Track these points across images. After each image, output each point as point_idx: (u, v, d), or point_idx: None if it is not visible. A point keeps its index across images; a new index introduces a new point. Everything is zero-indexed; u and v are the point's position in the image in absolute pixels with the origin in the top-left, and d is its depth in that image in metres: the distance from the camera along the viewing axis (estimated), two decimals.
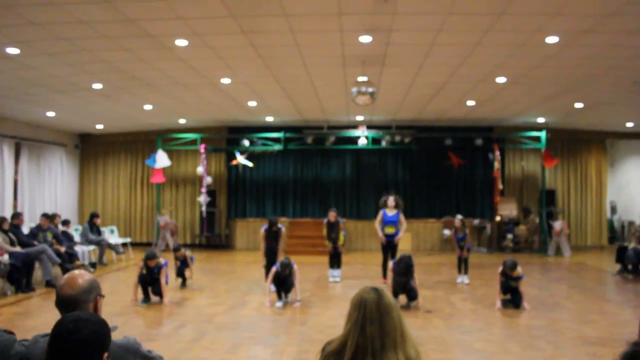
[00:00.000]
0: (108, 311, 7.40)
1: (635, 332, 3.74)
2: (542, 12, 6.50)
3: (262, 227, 9.80)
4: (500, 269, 8.22)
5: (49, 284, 9.57)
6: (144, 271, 8.39)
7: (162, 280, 8.44)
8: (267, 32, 7.40)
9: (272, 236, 9.69)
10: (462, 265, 10.51)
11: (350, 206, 16.55)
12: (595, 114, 13.47)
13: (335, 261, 10.83)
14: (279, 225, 9.80)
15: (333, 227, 10.71)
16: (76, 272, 2.49)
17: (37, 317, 7.46)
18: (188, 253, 10.16)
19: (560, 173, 16.73)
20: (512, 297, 8.21)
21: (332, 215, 10.73)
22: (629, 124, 14.98)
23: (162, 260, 8.49)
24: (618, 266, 11.66)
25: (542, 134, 14.98)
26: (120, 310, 7.89)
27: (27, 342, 2.29)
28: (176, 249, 10.14)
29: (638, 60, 8.43)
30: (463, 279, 10.44)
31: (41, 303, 8.49)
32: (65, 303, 2.34)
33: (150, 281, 8.44)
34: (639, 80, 9.67)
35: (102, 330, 1.97)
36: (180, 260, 10.02)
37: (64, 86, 10.32)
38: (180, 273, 9.99)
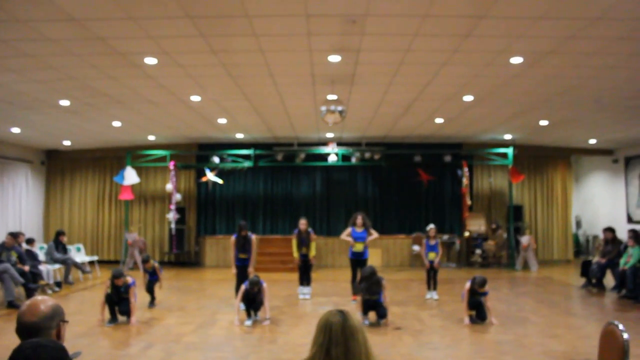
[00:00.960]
0: (74, 332, 7.27)
1: (597, 345, 3.83)
2: (507, 35, 6.67)
3: (233, 235, 9.83)
4: (467, 285, 8.32)
5: (11, 304, 9.33)
6: (110, 290, 8.24)
7: (132, 299, 8.30)
8: (237, 51, 7.43)
9: (242, 244, 9.66)
10: (431, 281, 10.58)
11: (320, 222, 16.57)
12: (559, 131, 13.81)
13: (305, 277, 10.78)
14: (249, 233, 9.79)
15: (303, 238, 10.65)
16: (39, 297, 2.44)
17: None
18: (157, 264, 10.05)
19: (527, 189, 17.04)
20: (477, 312, 8.31)
21: (302, 223, 10.68)
22: (592, 141, 15.38)
23: (129, 279, 8.34)
24: (583, 280, 11.91)
25: (509, 151, 15.27)
26: (86, 330, 7.73)
27: None
28: (145, 260, 9.99)
29: (597, 80, 8.70)
30: (432, 294, 10.52)
31: (2, 325, 8.25)
32: (26, 331, 2.28)
33: (117, 301, 8.28)
34: (600, 100, 9.96)
35: (61, 356, 1.94)
36: (149, 272, 9.89)
37: (30, 102, 10.16)
38: (149, 288, 9.82)
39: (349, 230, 10.27)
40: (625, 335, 3.43)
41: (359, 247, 10.13)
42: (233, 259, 9.77)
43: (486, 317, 8.21)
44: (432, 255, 10.53)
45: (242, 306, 8.42)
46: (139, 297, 8.90)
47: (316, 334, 2.32)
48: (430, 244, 10.59)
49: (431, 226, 10.77)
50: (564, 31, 6.49)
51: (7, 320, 8.43)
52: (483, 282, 8.13)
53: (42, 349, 1.89)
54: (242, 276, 9.41)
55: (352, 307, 9.51)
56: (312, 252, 10.72)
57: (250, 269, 9.70)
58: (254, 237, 9.91)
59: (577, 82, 8.91)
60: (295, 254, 10.69)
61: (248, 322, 8.20)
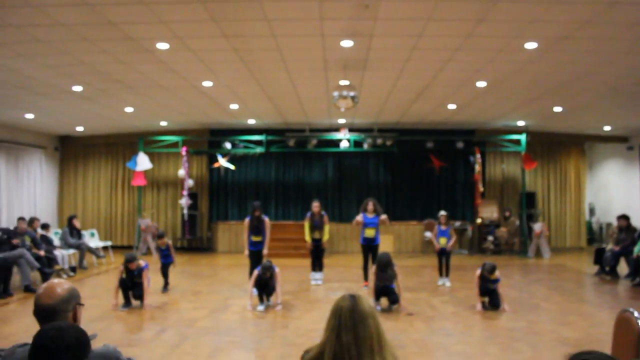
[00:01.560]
0: (88, 316, 7.35)
1: (610, 332, 3.81)
2: (521, 19, 6.59)
3: (247, 217, 9.85)
4: (478, 271, 8.31)
5: (28, 288, 9.46)
6: (124, 275, 8.31)
7: (145, 283, 8.36)
8: (249, 36, 7.40)
9: (255, 225, 9.64)
10: (443, 267, 10.57)
11: (332, 208, 16.57)
12: (573, 117, 13.67)
13: (317, 263, 10.77)
14: (263, 215, 9.78)
15: (316, 221, 10.54)
16: (55, 280, 2.47)
17: (15, 324, 7.36)
18: (170, 243, 10.16)
19: (540, 176, 16.93)
20: (490, 299, 8.31)
21: (315, 206, 10.56)
22: (607, 128, 15.21)
23: (142, 263, 8.40)
24: (596, 268, 11.84)
25: (522, 137, 15.15)
26: (100, 315, 7.82)
27: (3, 352, 2.27)
28: (160, 236, 10.09)
29: (612, 66, 8.58)
30: (444, 281, 10.52)
31: (19, 309, 8.38)
32: (43, 313, 2.32)
33: (131, 285, 8.36)
34: (615, 86, 9.83)
35: (83, 339, 1.97)
36: (162, 250, 9.96)
37: (43, 88, 10.22)
38: (164, 272, 9.90)
39: (360, 217, 10.23)
40: None
41: (370, 232, 10.11)
42: (245, 241, 9.78)
43: (499, 304, 8.19)
44: (442, 240, 10.53)
45: (254, 291, 8.46)
46: (152, 281, 8.98)
47: (329, 318, 2.33)
48: (442, 229, 10.60)
49: (442, 213, 10.79)
50: (579, 16, 6.39)
51: (24, 304, 8.57)
52: (492, 269, 8.11)
53: (66, 331, 1.92)
54: (256, 261, 9.42)
55: (364, 292, 9.55)
56: (325, 236, 10.62)
57: (265, 251, 9.72)
58: (267, 219, 9.87)
59: (592, 68, 8.80)
60: (308, 238, 10.58)
61: (260, 307, 8.25)
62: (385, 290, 8.30)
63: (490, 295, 8.31)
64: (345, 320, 2.23)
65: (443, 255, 10.56)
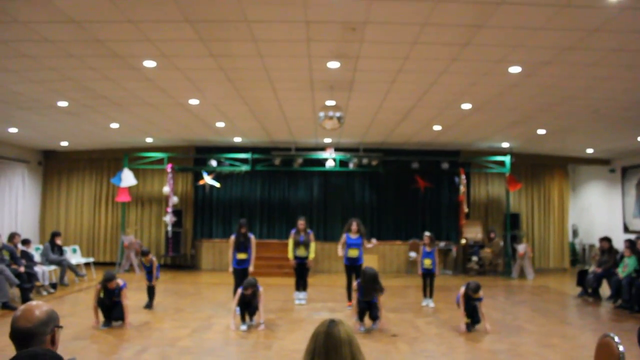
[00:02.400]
0: (68, 334, 7.24)
1: (592, 355, 3.83)
2: (506, 44, 6.69)
3: (232, 235, 9.77)
4: (462, 290, 8.32)
5: (6, 305, 9.29)
6: (102, 294, 8.16)
7: (125, 302, 8.24)
8: (236, 56, 7.44)
9: (242, 242, 9.58)
10: (428, 288, 10.54)
11: (317, 228, 16.53)
12: (557, 140, 13.84)
13: (301, 282, 10.68)
14: (249, 233, 9.73)
15: (301, 238, 10.45)
16: (33, 303, 2.43)
17: None
18: (154, 260, 10.03)
19: (524, 197, 17.07)
20: (472, 317, 8.33)
21: (301, 223, 10.52)
22: (589, 150, 15.42)
23: (120, 282, 8.26)
24: (579, 289, 11.92)
25: (507, 159, 15.29)
26: (80, 333, 7.69)
27: None
28: (145, 253, 9.98)
29: (593, 91, 8.74)
30: (428, 302, 10.50)
31: None
32: (20, 336, 2.27)
33: (110, 305, 8.20)
34: (598, 110, 9.99)
35: None
36: (147, 268, 9.85)
37: (27, 103, 10.15)
38: (150, 291, 9.78)
39: (343, 239, 10.22)
40: (621, 348, 3.44)
41: (353, 252, 10.07)
42: (230, 258, 9.71)
43: (479, 320, 8.22)
44: (427, 262, 10.45)
45: (237, 310, 8.39)
46: (134, 298, 8.87)
47: (308, 342, 2.35)
48: (427, 250, 10.52)
49: (427, 234, 10.76)
50: (563, 42, 6.51)
51: (0, 322, 8.40)
52: (477, 288, 8.14)
53: (40, 358, 1.88)
54: (241, 279, 9.27)
55: (348, 313, 9.52)
56: (312, 255, 10.55)
57: (251, 269, 9.65)
58: (253, 238, 9.82)
59: (574, 93, 8.94)
60: (290, 255, 10.50)
61: (243, 327, 8.17)
62: (369, 305, 8.29)
63: (472, 314, 8.32)
64: (319, 346, 2.25)
65: (427, 276, 10.53)
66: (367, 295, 8.24)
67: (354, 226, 10.18)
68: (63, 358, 1.99)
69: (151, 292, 9.84)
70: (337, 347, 2.23)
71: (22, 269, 10.12)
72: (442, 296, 11.33)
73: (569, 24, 5.93)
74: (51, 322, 2.37)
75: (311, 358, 2.25)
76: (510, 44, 6.67)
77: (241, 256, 9.63)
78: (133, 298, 8.89)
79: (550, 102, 9.66)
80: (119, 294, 8.21)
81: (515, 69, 7.72)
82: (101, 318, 8.22)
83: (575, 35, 6.26)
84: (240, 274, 9.56)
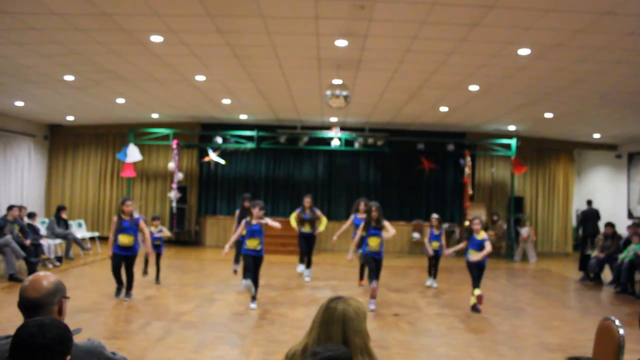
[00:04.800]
0: (73, 307, 7.30)
1: (592, 339, 3.86)
2: (516, 25, 6.63)
3: (237, 209, 9.76)
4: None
5: (12, 277, 9.39)
6: (117, 223, 8.28)
7: (145, 231, 8.50)
8: (244, 32, 7.40)
9: (245, 216, 9.18)
10: (432, 268, 10.51)
11: (321, 206, 16.47)
12: (564, 124, 13.76)
13: (306, 257, 10.56)
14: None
15: (307, 215, 10.41)
16: (41, 273, 2.46)
17: None
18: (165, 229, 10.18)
19: (529, 181, 17.05)
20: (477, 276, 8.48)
21: (307, 201, 10.45)
22: (596, 135, 15.34)
23: (136, 215, 8.44)
24: (581, 273, 11.96)
25: (513, 142, 15.24)
26: (85, 306, 7.78)
27: None
28: (155, 218, 10.11)
29: (604, 75, 8.66)
30: (432, 282, 10.53)
31: (3, 297, 8.32)
32: (28, 306, 2.31)
33: (125, 262, 8.30)
34: (606, 95, 9.92)
35: (65, 334, 1.97)
36: (154, 235, 9.79)
37: (34, 77, 10.15)
38: (157, 261, 9.83)
39: (350, 220, 10.07)
40: (621, 331, 3.46)
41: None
42: (234, 232, 9.35)
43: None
44: (435, 244, 10.32)
45: (236, 266, 8.41)
46: (137, 274, 8.94)
47: (316, 313, 2.42)
48: (435, 233, 10.36)
49: (435, 216, 10.58)
50: (573, 24, 6.44)
51: (8, 293, 8.50)
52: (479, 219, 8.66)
53: (47, 327, 1.92)
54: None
55: (360, 291, 9.58)
56: (321, 228, 10.55)
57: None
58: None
59: (584, 76, 8.87)
60: (293, 223, 10.54)
61: (253, 305, 8.06)
62: (375, 262, 8.40)
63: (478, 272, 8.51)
64: (317, 318, 2.34)
65: (434, 257, 10.41)
66: (377, 225, 8.36)
67: (362, 206, 9.95)
68: (69, 327, 2.02)
69: (157, 261, 9.87)
70: (327, 323, 2.27)
71: (28, 242, 10.20)
72: (444, 277, 11.38)
73: (581, 6, 5.87)
74: (58, 293, 2.40)
75: (311, 328, 2.33)
76: (520, 25, 6.60)
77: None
78: (137, 272, 8.96)
79: (559, 85, 9.59)
80: (136, 227, 8.40)
81: (524, 51, 7.65)
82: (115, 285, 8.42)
83: (586, 18, 6.19)
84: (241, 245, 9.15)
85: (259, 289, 8.48)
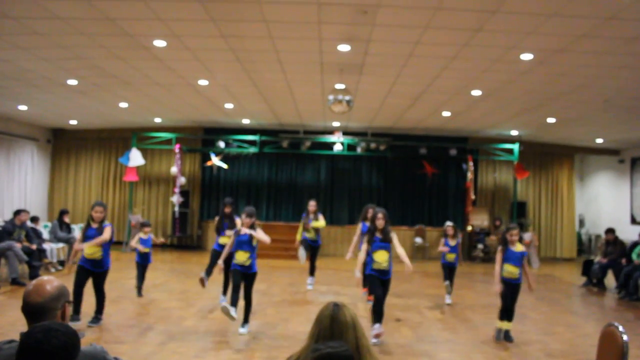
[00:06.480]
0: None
1: (596, 345, 3.84)
2: (518, 31, 6.63)
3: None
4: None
5: (15, 281, 9.40)
6: (84, 227, 7.24)
7: (104, 237, 7.08)
8: (247, 36, 7.41)
9: (226, 224, 8.61)
10: (448, 280, 9.28)
11: (323, 211, 16.45)
12: (566, 129, 13.75)
13: (311, 260, 10.19)
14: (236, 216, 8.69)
15: (310, 220, 10.09)
16: (44, 278, 2.46)
17: (1, 317, 7.31)
18: (154, 237, 9.75)
19: (532, 185, 17.02)
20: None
21: (312, 205, 10.15)
22: (599, 140, 15.31)
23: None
24: (584, 279, 11.92)
25: (515, 147, 15.23)
26: (86, 310, 7.75)
27: None
28: (145, 224, 9.48)
29: (606, 80, 8.66)
30: (448, 299, 9.33)
31: (6, 302, 8.31)
32: (32, 311, 2.31)
33: (92, 277, 7.13)
34: (609, 100, 9.91)
35: (72, 341, 1.96)
36: (144, 242, 9.21)
37: (37, 81, 10.17)
38: (140, 272, 9.10)
39: (358, 232, 9.28)
40: (625, 337, 3.44)
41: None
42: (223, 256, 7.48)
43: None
44: (450, 256, 9.29)
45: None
46: (149, 278, 8.92)
47: (312, 325, 2.37)
48: (451, 244, 9.27)
49: (449, 224, 9.55)
50: (576, 29, 6.44)
51: (10, 297, 8.49)
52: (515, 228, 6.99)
53: (54, 333, 1.91)
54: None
55: (354, 295, 9.54)
56: (315, 224, 10.02)
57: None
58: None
59: (586, 81, 8.86)
60: (298, 236, 10.13)
61: (243, 330, 6.98)
62: (382, 282, 6.91)
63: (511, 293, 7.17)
64: (324, 330, 2.26)
65: (449, 269, 9.32)
66: (385, 237, 7.06)
67: (370, 214, 8.01)
68: (76, 332, 2.01)
69: (141, 272, 9.17)
70: (342, 332, 2.25)
71: (34, 247, 10.22)
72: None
73: (583, 12, 5.86)
74: (62, 297, 2.40)
75: (315, 342, 2.27)
76: (523, 30, 6.60)
77: (224, 240, 8.49)
78: (150, 277, 8.95)
79: (562, 90, 9.58)
80: (101, 230, 7.17)
81: (527, 56, 7.65)
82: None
83: (589, 23, 6.19)
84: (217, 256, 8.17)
85: (257, 306, 8.25)
